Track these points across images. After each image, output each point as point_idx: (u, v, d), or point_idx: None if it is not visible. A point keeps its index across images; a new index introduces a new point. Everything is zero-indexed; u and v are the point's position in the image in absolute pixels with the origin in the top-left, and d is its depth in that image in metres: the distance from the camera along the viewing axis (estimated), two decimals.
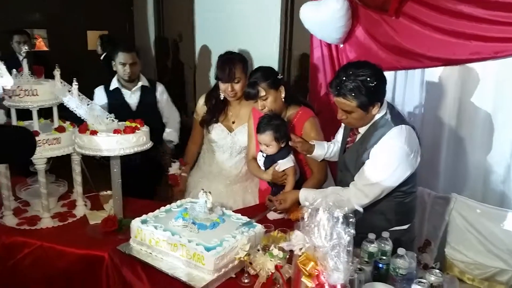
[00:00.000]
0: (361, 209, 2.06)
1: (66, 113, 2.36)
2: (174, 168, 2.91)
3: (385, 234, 1.92)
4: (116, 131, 2.19)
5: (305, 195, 2.23)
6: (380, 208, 2.17)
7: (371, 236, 1.90)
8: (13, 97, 2.23)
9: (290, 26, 3.83)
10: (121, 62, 3.25)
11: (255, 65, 2.54)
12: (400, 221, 2.23)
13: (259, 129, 2.38)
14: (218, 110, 2.81)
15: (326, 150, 2.45)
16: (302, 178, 2.54)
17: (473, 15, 2.38)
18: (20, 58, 2.34)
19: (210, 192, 2.14)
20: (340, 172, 2.34)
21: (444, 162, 2.93)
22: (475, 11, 2.36)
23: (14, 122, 2.35)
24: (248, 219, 2.12)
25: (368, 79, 1.96)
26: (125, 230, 2.16)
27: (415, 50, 2.66)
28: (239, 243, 1.86)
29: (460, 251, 2.66)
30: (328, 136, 2.64)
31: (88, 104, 2.27)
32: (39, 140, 2.19)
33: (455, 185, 2.88)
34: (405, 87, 3.07)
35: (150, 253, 1.99)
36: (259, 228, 2.03)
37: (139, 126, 2.29)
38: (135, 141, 2.22)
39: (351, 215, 1.53)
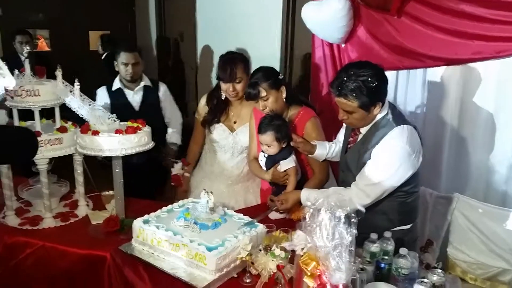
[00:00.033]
0: (363, 209, 2.06)
1: (68, 114, 2.37)
2: (177, 169, 2.91)
3: (387, 234, 1.91)
4: (117, 131, 2.19)
5: (307, 195, 2.23)
6: (382, 208, 2.17)
7: (373, 236, 1.90)
8: (15, 97, 2.23)
9: (292, 26, 3.83)
10: (123, 62, 3.24)
11: (257, 65, 2.53)
12: (402, 221, 2.23)
13: (261, 130, 2.38)
14: (219, 110, 2.82)
15: (327, 150, 2.45)
16: (304, 178, 2.54)
17: (475, 14, 2.37)
18: (22, 58, 2.34)
19: (211, 192, 2.15)
20: (342, 172, 2.34)
21: (446, 162, 2.92)
22: (477, 11, 2.36)
23: (16, 122, 2.36)
24: (250, 219, 2.12)
25: (369, 79, 1.96)
26: (127, 230, 2.16)
27: (417, 50, 2.66)
28: (241, 243, 1.86)
29: (462, 251, 2.65)
30: (330, 136, 2.64)
31: (90, 105, 2.27)
32: (41, 141, 2.19)
33: (457, 185, 2.88)
34: (407, 87, 3.06)
35: (152, 253, 1.99)
36: (261, 228, 2.03)
37: (140, 126, 2.30)
38: (137, 141, 2.22)
39: (353, 215, 1.53)
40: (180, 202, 2.31)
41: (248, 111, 2.74)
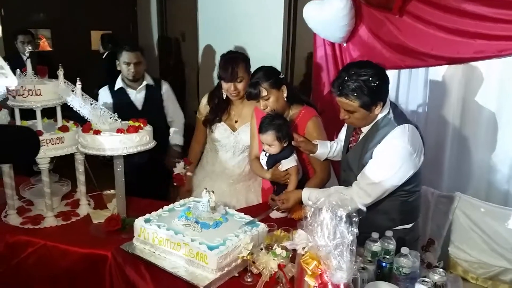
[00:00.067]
0: (364, 208, 2.06)
1: (69, 113, 2.37)
2: (179, 168, 2.89)
3: (389, 233, 1.91)
4: (119, 131, 2.19)
5: (308, 194, 2.23)
6: (384, 207, 2.16)
7: (375, 235, 1.90)
8: (16, 97, 2.23)
9: (294, 25, 3.82)
10: (125, 62, 3.22)
11: (258, 65, 2.53)
12: (404, 220, 2.23)
13: (261, 129, 2.38)
14: (221, 109, 2.82)
15: (329, 149, 2.44)
16: (305, 177, 2.54)
17: (477, 13, 2.37)
18: (24, 58, 2.34)
19: (213, 191, 2.15)
20: (344, 172, 2.34)
21: (448, 161, 2.92)
22: (479, 9, 2.35)
23: (18, 122, 2.36)
24: (251, 218, 2.12)
25: (370, 78, 1.96)
26: (129, 229, 2.16)
27: (419, 49, 2.65)
28: (242, 242, 1.85)
29: (463, 250, 2.65)
30: (331, 135, 2.64)
31: (91, 104, 2.27)
32: (43, 140, 2.19)
33: (459, 184, 2.87)
34: (409, 86, 3.06)
35: (153, 252, 1.99)
36: (262, 227, 2.03)
37: (142, 125, 2.30)
38: (138, 140, 2.22)
39: (354, 214, 1.53)
40: (182, 201, 2.31)
41: (249, 110, 2.74)
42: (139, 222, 2.05)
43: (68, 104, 2.29)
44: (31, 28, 5.14)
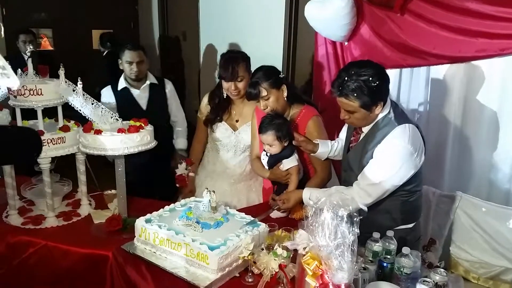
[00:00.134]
0: (365, 208, 2.06)
1: (70, 113, 2.37)
2: (181, 169, 2.89)
3: (390, 233, 1.91)
4: (120, 130, 2.20)
5: (309, 194, 2.22)
6: (385, 207, 2.16)
7: (376, 235, 1.89)
8: (18, 96, 2.23)
9: (295, 24, 3.82)
10: (127, 61, 3.20)
11: (260, 64, 2.53)
12: (405, 220, 2.22)
13: (261, 129, 2.38)
14: (221, 109, 2.81)
15: (329, 148, 2.44)
16: (306, 177, 2.54)
17: (479, 12, 2.36)
18: (26, 57, 2.34)
19: (214, 191, 2.15)
20: (345, 172, 2.33)
21: (449, 161, 2.91)
22: (481, 8, 2.35)
23: (19, 121, 2.36)
24: (252, 218, 2.12)
25: (371, 78, 1.95)
26: (130, 229, 2.16)
27: (421, 48, 2.65)
28: (243, 242, 1.85)
29: (465, 250, 2.65)
30: (332, 134, 2.63)
31: (92, 104, 2.27)
32: (44, 140, 2.20)
33: (460, 184, 2.87)
34: (410, 85, 3.05)
35: (154, 252, 1.99)
36: (263, 227, 2.03)
37: (143, 125, 2.30)
38: (139, 140, 2.22)
39: (355, 214, 1.52)
40: (183, 201, 2.31)
41: (250, 109, 2.73)
42: (140, 222, 2.05)
43: (69, 104, 2.29)
44: (33, 28, 5.15)
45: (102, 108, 2.28)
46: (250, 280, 1.81)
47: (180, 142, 3.48)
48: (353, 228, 1.49)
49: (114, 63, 3.32)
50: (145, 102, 3.34)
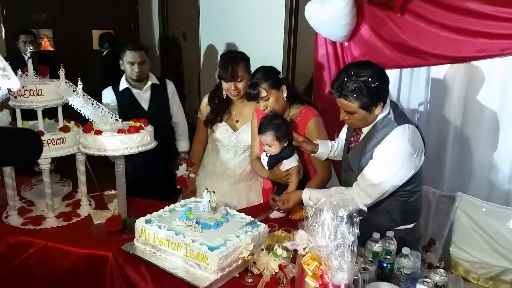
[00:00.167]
0: (365, 209, 2.05)
1: (71, 113, 2.37)
2: (182, 170, 2.89)
3: (390, 233, 1.91)
4: (120, 131, 2.20)
5: (309, 195, 2.22)
6: (385, 208, 2.16)
7: (376, 235, 1.89)
8: (18, 97, 2.23)
9: (295, 24, 3.82)
10: (129, 61, 3.16)
11: (260, 64, 2.53)
12: (405, 220, 2.22)
13: (260, 130, 2.38)
14: (221, 109, 2.81)
15: (330, 149, 2.44)
16: (306, 177, 2.54)
17: (479, 12, 2.36)
18: (26, 58, 2.34)
19: (214, 192, 2.15)
20: (345, 172, 2.33)
21: (450, 161, 2.91)
22: (481, 8, 2.35)
23: (19, 122, 2.36)
24: (252, 219, 2.12)
25: (370, 79, 1.95)
26: (129, 229, 2.16)
27: (421, 48, 2.65)
28: (243, 242, 1.85)
29: (465, 250, 2.64)
30: (332, 134, 2.63)
31: (92, 104, 2.27)
32: (44, 140, 2.19)
33: (460, 184, 2.86)
34: (410, 85, 3.05)
35: (154, 253, 1.99)
36: (263, 227, 2.03)
37: (143, 125, 2.30)
38: (140, 140, 2.22)
39: (355, 214, 1.52)
40: (182, 202, 2.31)
41: (250, 109, 2.73)
42: (140, 223, 2.05)
43: (70, 104, 2.29)
44: (33, 28, 5.15)
45: (102, 109, 2.28)
46: (250, 280, 1.81)
47: (182, 145, 3.48)
48: (353, 229, 1.49)
49: (114, 63, 3.30)
50: (146, 103, 3.31)
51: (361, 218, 1.53)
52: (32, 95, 2.23)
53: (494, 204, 2.57)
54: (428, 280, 1.65)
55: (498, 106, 2.67)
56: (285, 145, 2.38)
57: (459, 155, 2.87)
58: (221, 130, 2.83)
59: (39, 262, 2.18)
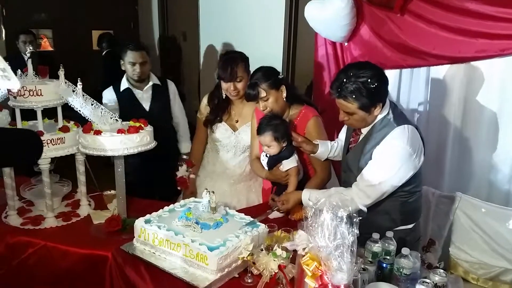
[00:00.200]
0: (364, 209, 2.05)
1: (70, 113, 2.37)
2: (182, 171, 2.88)
3: (389, 233, 1.91)
4: (120, 131, 2.19)
5: (308, 195, 2.22)
6: (384, 208, 2.16)
7: (375, 235, 1.89)
8: (17, 97, 2.23)
9: (295, 25, 3.82)
10: (130, 62, 3.14)
11: (259, 64, 2.53)
12: (404, 221, 2.22)
13: (259, 131, 2.38)
14: (221, 109, 2.81)
15: (329, 149, 2.44)
16: (306, 177, 2.54)
17: (479, 12, 2.36)
18: (26, 58, 2.34)
19: (213, 192, 2.14)
20: (344, 173, 2.33)
21: (449, 161, 2.91)
22: (481, 8, 2.34)
23: (19, 122, 2.36)
24: (252, 219, 2.12)
25: (369, 80, 1.94)
26: (129, 229, 2.16)
27: (421, 48, 2.65)
28: (243, 243, 1.85)
29: (464, 251, 2.64)
30: (332, 135, 2.63)
31: (92, 104, 2.27)
32: (43, 140, 2.19)
33: (460, 184, 2.86)
34: (410, 86, 3.05)
35: (154, 253, 1.99)
36: (262, 228, 2.03)
37: (143, 125, 2.29)
38: (139, 140, 2.22)
39: (355, 215, 1.52)
40: (182, 202, 2.31)
41: (249, 110, 2.73)
42: (139, 223, 2.05)
43: (69, 105, 2.29)
44: (33, 28, 5.15)
45: (102, 109, 2.28)
46: (249, 281, 1.81)
47: (184, 147, 3.46)
48: (353, 229, 1.49)
49: (114, 63, 3.29)
50: (147, 103, 3.30)
51: (360, 218, 1.52)
52: (32, 95, 2.23)
53: (494, 205, 2.57)
54: (427, 280, 1.65)
55: (497, 107, 2.67)
56: (284, 145, 2.38)
57: (459, 155, 2.87)
58: (221, 130, 2.83)
59: (38, 262, 2.17)
